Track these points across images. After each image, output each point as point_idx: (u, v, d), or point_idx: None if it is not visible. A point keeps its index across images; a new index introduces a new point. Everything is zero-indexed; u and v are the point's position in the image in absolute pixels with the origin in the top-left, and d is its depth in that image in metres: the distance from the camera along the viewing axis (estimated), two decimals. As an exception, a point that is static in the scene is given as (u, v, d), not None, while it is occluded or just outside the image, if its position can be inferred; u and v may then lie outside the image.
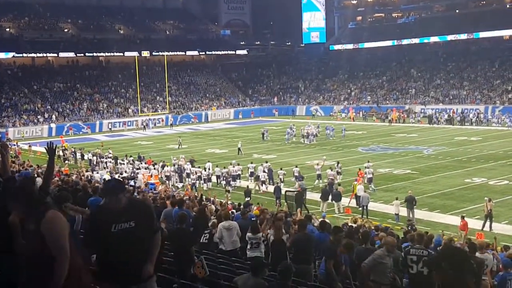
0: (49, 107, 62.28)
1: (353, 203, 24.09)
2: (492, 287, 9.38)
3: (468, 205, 23.15)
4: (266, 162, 30.93)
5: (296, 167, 29.21)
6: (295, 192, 23.82)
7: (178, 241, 8.01)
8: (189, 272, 7.69)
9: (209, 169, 30.13)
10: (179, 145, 44.17)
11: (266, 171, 29.22)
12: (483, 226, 19.78)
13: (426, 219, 21.69)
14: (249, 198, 24.44)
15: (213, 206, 17.58)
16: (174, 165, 31.60)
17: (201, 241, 10.60)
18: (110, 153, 37.32)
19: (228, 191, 25.94)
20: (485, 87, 61.95)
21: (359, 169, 27.70)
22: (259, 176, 28.68)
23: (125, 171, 31.59)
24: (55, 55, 69.52)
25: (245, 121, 66.68)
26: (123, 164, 33.66)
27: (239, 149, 39.67)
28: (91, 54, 72.55)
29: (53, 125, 58.40)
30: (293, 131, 46.50)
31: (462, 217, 19.37)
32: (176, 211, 11.46)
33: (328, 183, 25.49)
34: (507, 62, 64.61)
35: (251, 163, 30.85)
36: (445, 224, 20.41)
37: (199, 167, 30.98)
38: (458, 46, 72.23)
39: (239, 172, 29.49)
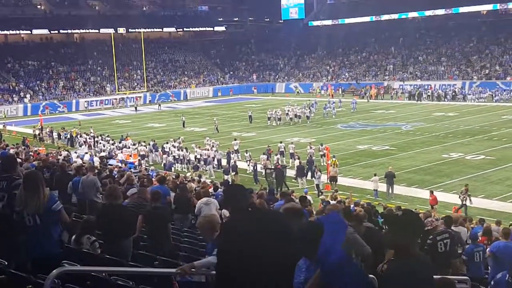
0: (23, 85, 61.05)
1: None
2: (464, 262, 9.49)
3: (445, 180, 23.48)
4: (235, 139, 31.06)
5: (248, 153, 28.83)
6: (275, 170, 23.90)
7: (153, 220, 7.93)
8: (166, 250, 7.66)
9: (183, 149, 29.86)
10: (183, 123, 43.04)
11: (236, 148, 29.17)
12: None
13: (404, 194, 22.00)
14: (227, 176, 24.51)
15: (192, 184, 17.49)
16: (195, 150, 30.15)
17: None
18: (91, 132, 36.81)
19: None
20: (463, 62, 62.47)
21: (322, 145, 28.19)
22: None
23: (103, 150, 31.31)
24: (29, 32, 67.89)
25: (225, 99, 66.34)
26: (101, 143, 33.31)
27: (216, 127, 39.38)
28: (65, 31, 70.99)
29: (28, 104, 57.30)
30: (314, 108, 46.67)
31: (431, 192, 19.77)
32: (155, 187, 11.33)
33: (307, 160, 25.61)
34: (484, 38, 65.13)
35: (212, 147, 29.52)
36: (423, 199, 20.68)
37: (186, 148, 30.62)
38: (436, 21, 72.41)
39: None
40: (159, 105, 58.51)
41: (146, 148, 30.89)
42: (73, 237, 6.99)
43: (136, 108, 57.26)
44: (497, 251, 8.46)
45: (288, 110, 43.10)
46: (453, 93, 53.73)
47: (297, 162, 25.54)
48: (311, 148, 27.44)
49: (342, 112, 47.17)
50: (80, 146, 34.56)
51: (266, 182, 23.34)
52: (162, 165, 28.67)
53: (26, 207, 5.28)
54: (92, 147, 32.95)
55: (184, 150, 29.47)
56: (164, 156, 29.59)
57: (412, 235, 3.39)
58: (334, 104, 47.10)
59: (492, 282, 6.33)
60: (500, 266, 7.98)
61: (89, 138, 35.07)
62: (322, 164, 26.48)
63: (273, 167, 24.71)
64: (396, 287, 3.25)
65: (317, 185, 22.97)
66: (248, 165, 26.87)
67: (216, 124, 39.55)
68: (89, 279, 5.24)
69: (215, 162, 27.91)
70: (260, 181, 24.38)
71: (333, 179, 23.45)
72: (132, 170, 22.06)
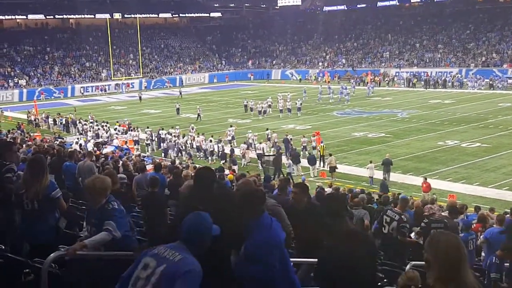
0: (19, 71, 60.68)
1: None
2: None
3: (441, 168, 23.55)
4: (231, 126, 30.96)
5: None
6: (273, 157, 23.91)
7: (150, 205, 7.95)
8: (162, 236, 7.67)
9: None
10: (177, 110, 42.74)
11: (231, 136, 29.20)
12: None
13: (400, 181, 22.04)
14: (224, 161, 24.58)
15: (189, 171, 17.47)
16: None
17: None
18: (90, 118, 36.65)
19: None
20: (460, 50, 62.39)
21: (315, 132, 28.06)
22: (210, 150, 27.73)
23: (100, 136, 31.28)
24: (24, 17, 67.34)
25: (220, 85, 66.13)
26: (98, 129, 33.21)
27: (198, 114, 39.05)
28: (61, 16, 70.46)
29: (24, 90, 56.98)
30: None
31: (425, 179, 19.82)
32: (152, 174, 11.33)
33: (302, 148, 25.83)
34: (481, 25, 64.99)
35: (202, 134, 29.34)
36: (418, 186, 20.71)
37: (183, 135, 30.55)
38: (433, 8, 72.21)
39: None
40: (180, 92, 55.65)
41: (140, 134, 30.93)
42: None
43: (140, 97, 53.55)
44: (490, 237, 8.62)
45: (283, 97, 42.49)
46: (452, 81, 53.65)
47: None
48: (287, 136, 27.57)
49: (353, 97, 47.41)
50: (79, 133, 34.45)
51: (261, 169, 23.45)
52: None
53: (27, 191, 5.28)
54: (91, 133, 32.83)
55: (181, 137, 29.47)
56: (174, 141, 29.52)
57: (334, 215, 3.32)
58: (348, 90, 47.23)
59: (486, 266, 6.45)
60: (492, 251, 8.15)
61: (84, 124, 34.96)
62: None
63: (270, 153, 24.82)
64: (331, 270, 3.16)
65: (289, 173, 22.94)
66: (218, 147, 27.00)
67: (199, 111, 39.32)
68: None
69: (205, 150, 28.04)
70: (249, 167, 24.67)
71: (332, 169, 23.27)
72: (127, 156, 22.11)
